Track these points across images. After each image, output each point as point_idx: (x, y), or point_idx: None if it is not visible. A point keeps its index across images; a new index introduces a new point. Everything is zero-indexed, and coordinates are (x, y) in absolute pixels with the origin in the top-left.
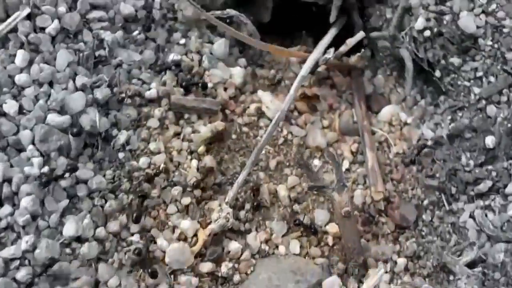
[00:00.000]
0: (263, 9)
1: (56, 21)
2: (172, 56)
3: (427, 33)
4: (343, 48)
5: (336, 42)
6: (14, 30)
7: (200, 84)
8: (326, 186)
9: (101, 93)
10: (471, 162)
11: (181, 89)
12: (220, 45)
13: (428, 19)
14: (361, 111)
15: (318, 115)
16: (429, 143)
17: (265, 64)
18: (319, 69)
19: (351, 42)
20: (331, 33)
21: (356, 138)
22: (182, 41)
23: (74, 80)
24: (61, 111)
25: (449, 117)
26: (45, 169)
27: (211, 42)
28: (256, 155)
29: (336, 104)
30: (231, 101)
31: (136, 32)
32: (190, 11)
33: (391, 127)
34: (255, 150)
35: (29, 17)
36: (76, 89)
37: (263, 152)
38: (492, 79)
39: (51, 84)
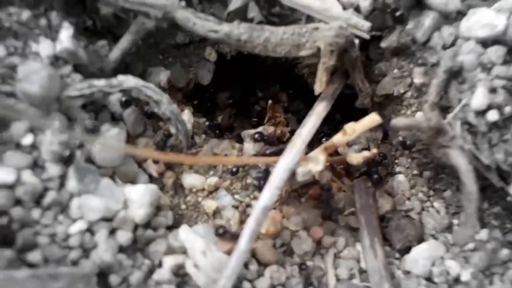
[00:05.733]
0: (199, 65)
1: None
2: None
3: (493, 115)
4: (339, 138)
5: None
6: None
7: None
8: None
9: None
10: None
11: None
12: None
13: (493, 90)
14: (375, 252)
15: (294, 265)
16: None
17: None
18: None
19: (354, 129)
20: (316, 113)
21: None
22: None
23: None
24: None
25: None
26: None
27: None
28: None
29: (328, 237)
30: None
31: None
32: None
33: (430, 285)
34: None
35: None
36: None
37: None
38: None
39: None
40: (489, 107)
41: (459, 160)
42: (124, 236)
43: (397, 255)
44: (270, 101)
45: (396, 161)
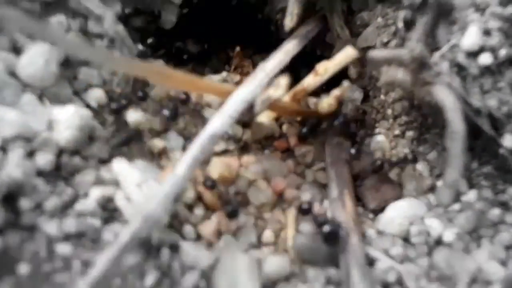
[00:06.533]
0: (162, 7)
1: None
2: None
3: (486, 58)
4: (309, 81)
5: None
6: None
7: None
8: None
9: None
10: None
11: None
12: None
13: (487, 32)
14: (345, 208)
15: (249, 216)
16: None
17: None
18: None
19: (326, 68)
20: (284, 50)
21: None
22: None
23: None
24: None
25: None
26: None
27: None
28: None
29: (291, 191)
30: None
31: None
32: None
33: (407, 246)
34: None
35: None
36: None
37: None
38: None
39: None
40: (482, 49)
41: (444, 97)
42: (43, 159)
43: (371, 215)
44: (237, 48)
45: (377, 124)
